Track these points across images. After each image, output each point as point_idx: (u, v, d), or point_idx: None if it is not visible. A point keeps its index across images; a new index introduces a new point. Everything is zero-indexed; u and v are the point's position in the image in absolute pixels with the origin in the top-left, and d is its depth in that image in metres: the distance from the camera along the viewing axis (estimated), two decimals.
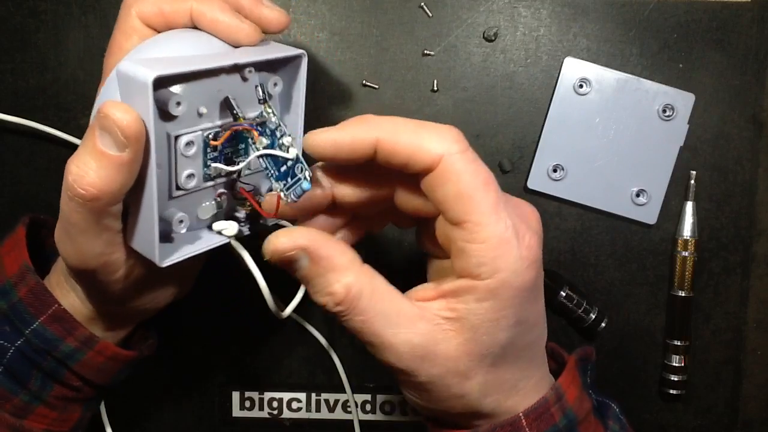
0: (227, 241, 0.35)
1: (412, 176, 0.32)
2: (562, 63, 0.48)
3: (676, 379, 0.49)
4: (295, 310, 0.48)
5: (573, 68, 0.48)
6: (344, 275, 0.32)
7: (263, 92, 0.34)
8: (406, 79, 0.49)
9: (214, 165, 0.35)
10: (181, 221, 0.34)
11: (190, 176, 0.34)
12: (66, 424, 0.40)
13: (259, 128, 0.34)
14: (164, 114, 0.32)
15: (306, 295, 0.44)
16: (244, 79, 0.35)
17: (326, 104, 0.49)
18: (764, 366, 0.51)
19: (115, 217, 0.33)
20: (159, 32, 0.35)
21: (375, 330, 0.32)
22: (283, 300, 0.39)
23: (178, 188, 0.34)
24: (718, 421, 0.51)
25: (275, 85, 0.36)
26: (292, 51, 0.35)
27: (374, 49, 0.48)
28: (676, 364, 0.49)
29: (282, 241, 0.31)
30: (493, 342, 0.32)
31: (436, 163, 0.31)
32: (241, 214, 0.36)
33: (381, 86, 0.49)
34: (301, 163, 0.33)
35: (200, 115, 0.34)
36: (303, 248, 0.31)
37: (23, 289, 0.37)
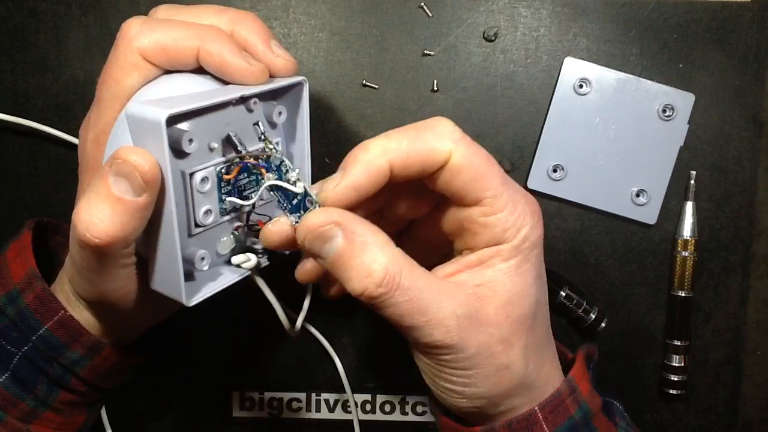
0: (248, 273, 0.36)
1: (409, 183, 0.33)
2: (562, 63, 0.48)
3: (676, 379, 0.49)
4: (294, 310, 0.48)
5: (573, 68, 0.48)
6: (381, 254, 0.31)
7: (262, 131, 0.34)
8: (406, 79, 0.49)
9: (229, 199, 0.35)
10: (203, 258, 0.34)
11: (208, 212, 0.34)
12: (71, 428, 0.40)
13: (266, 164, 0.34)
14: (177, 152, 0.32)
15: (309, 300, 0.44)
16: (250, 111, 0.35)
17: (326, 104, 0.49)
18: (764, 366, 0.51)
19: (127, 255, 0.33)
20: (160, 68, 0.34)
21: (421, 307, 0.31)
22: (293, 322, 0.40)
23: (196, 225, 0.34)
24: (718, 421, 0.51)
25: (280, 114, 0.36)
26: (293, 79, 0.36)
27: (374, 49, 0.48)
28: (676, 364, 0.49)
29: (317, 217, 0.31)
30: (527, 300, 0.33)
31: (447, 158, 0.32)
32: (259, 246, 0.36)
33: (381, 86, 0.49)
34: (310, 195, 0.33)
35: (211, 150, 0.34)
36: (337, 223, 0.31)
37: (30, 296, 0.37)
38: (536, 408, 0.34)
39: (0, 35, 0.48)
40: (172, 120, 0.31)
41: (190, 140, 0.32)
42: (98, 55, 0.48)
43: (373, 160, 0.31)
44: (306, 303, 0.43)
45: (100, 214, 0.30)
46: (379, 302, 0.31)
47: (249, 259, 0.35)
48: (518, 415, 0.34)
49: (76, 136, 0.48)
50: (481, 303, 0.32)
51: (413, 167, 0.32)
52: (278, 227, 0.34)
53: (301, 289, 0.46)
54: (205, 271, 0.35)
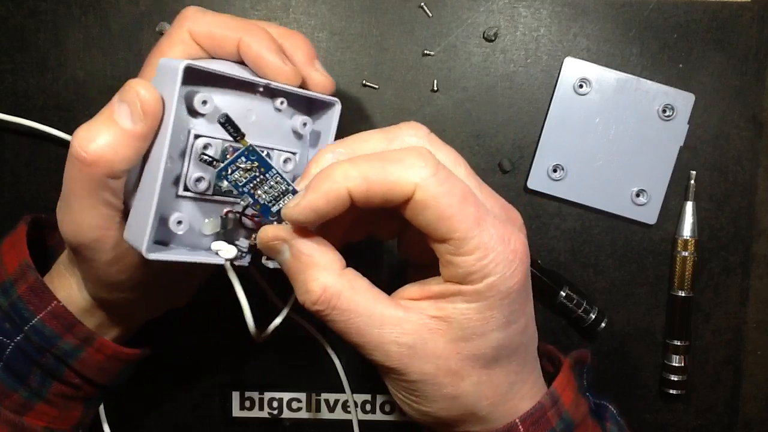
0: (221, 262, 0.34)
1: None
2: (562, 63, 0.48)
3: (676, 379, 0.49)
4: (294, 311, 0.48)
5: (573, 68, 0.48)
6: (322, 274, 0.32)
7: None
8: (406, 79, 0.49)
9: (227, 182, 0.34)
10: (180, 222, 0.34)
11: (200, 180, 0.34)
12: (66, 423, 0.40)
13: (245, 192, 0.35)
14: (191, 111, 0.33)
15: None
16: (277, 110, 0.36)
17: None
18: (764, 366, 0.51)
19: (114, 193, 0.34)
20: (204, 52, 0.36)
21: (359, 330, 0.32)
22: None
23: (186, 189, 0.34)
24: (718, 421, 0.51)
25: (304, 125, 0.37)
26: (326, 96, 0.36)
27: (374, 49, 0.48)
28: (676, 364, 0.49)
29: (267, 231, 0.33)
30: (484, 343, 0.32)
31: (411, 194, 0.30)
32: (244, 244, 0.36)
33: (381, 86, 0.49)
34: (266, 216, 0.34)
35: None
36: (284, 240, 0.32)
37: (23, 286, 0.37)
38: (517, 420, 0.34)
39: (0, 35, 0.48)
40: (192, 76, 0.32)
41: (204, 102, 0.33)
42: (98, 55, 0.48)
43: (332, 186, 0.31)
44: (279, 318, 0.41)
45: (96, 133, 0.32)
46: (318, 317, 0.32)
47: (228, 250, 0.34)
48: (499, 428, 0.34)
49: None
50: (432, 335, 0.32)
51: (375, 198, 0.31)
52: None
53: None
54: (182, 241, 0.35)
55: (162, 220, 0.34)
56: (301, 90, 0.36)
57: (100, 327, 0.39)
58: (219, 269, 0.35)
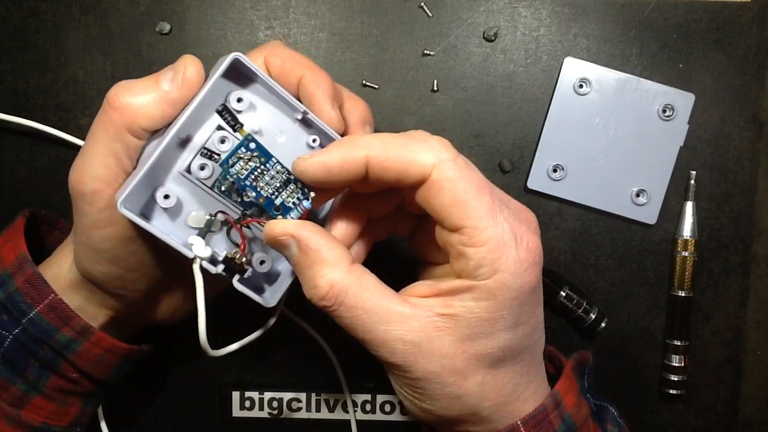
0: (189, 255, 0.34)
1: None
2: (562, 63, 0.48)
3: (676, 379, 0.49)
4: (293, 311, 0.48)
5: (573, 68, 0.48)
6: (330, 270, 0.32)
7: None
8: (406, 79, 0.49)
9: (229, 176, 0.34)
10: (167, 197, 0.34)
11: (203, 167, 0.34)
12: (64, 419, 0.40)
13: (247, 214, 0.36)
14: (222, 107, 0.35)
15: (299, 292, 0.44)
16: (309, 147, 0.37)
17: None
18: (764, 366, 0.51)
19: (127, 152, 0.34)
20: (271, 76, 0.37)
21: (365, 327, 0.32)
22: (232, 337, 0.40)
23: (189, 171, 0.35)
24: (718, 421, 0.51)
25: None
26: None
27: (374, 49, 0.48)
28: (676, 364, 0.49)
29: (276, 225, 0.33)
30: (491, 343, 0.32)
31: (428, 174, 0.31)
32: (222, 254, 0.35)
33: (381, 86, 0.49)
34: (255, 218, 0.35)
35: (255, 132, 0.35)
36: (292, 235, 0.33)
37: (20, 279, 0.38)
38: (519, 422, 0.34)
39: (0, 35, 0.48)
40: (241, 78, 0.35)
41: (239, 99, 0.34)
42: (98, 55, 0.48)
43: (352, 150, 0.32)
44: (238, 344, 0.40)
45: (134, 86, 0.34)
46: (325, 312, 0.33)
47: (201, 250, 0.34)
48: (501, 429, 0.34)
49: (76, 136, 0.48)
50: (439, 334, 0.32)
51: (390, 171, 0.31)
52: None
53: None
54: (163, 223, 0.35)
55: (152, 197, 0.35)
56: (336, 134, 0.36)
57: (84, 308, 0.39)
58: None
